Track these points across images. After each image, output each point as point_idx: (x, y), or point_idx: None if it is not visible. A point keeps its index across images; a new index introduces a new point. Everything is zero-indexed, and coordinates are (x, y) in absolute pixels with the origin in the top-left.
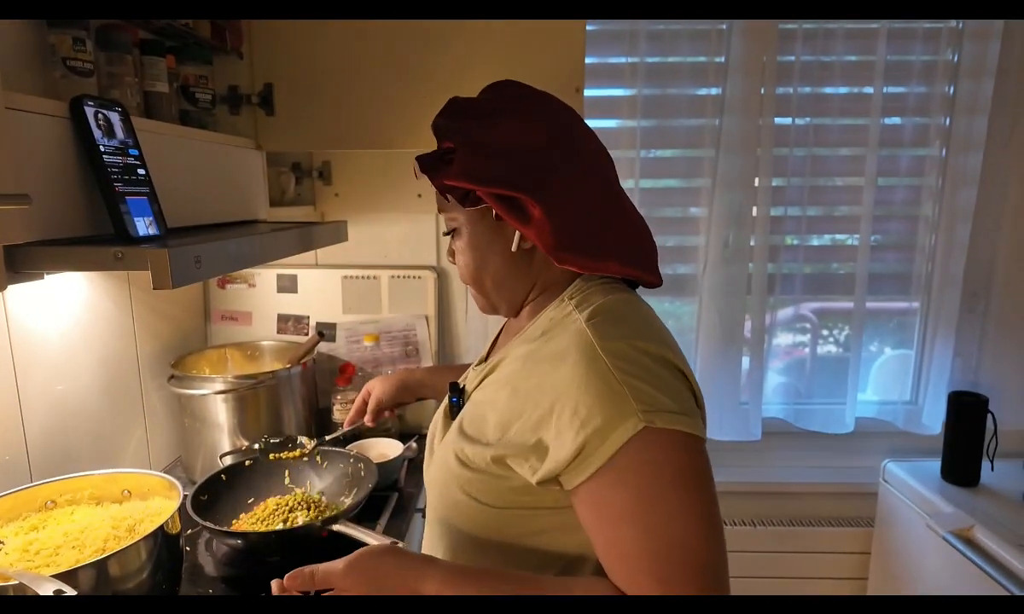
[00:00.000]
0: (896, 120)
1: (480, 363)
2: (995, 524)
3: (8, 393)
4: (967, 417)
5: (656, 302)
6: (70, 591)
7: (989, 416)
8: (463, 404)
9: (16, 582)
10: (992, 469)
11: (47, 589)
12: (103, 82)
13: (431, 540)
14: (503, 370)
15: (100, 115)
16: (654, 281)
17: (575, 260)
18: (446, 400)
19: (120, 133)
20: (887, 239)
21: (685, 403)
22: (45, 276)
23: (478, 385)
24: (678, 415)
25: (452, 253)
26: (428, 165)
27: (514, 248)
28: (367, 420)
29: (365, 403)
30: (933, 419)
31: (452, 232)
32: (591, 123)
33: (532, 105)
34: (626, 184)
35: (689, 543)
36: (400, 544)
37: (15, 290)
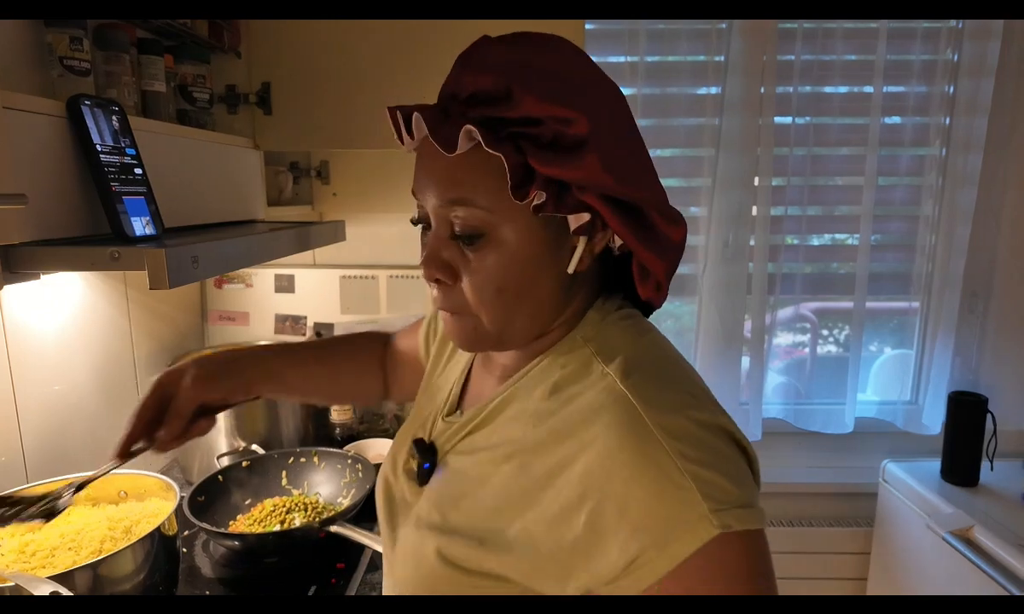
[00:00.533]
0: (896, 119)
1: (451, 412)
2: (995, 524)
3: (4, 394)
4: (967, 417)
5: None
6: (66, 592)
7: (989, 416)
8: (434, 467)
9: (12, 584)
10: (992, 469)
11: (43, 591)
12: (100, 81)
13: None
14: (497, 431)
15: (97, 114)
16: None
17: (664, 294)
18: (401, 444)
19: (117, 133)
20: (887, 239)
21: (752, 488)
22: (41, 276)
23: (454, 445)
24: (751, 509)
25: (446, 270)
26: (494, 137)
27: (572, 269)
28: (156, 446)
29: (156, 413)
30: (933, 419)
31: (468, 235)
32: None
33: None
34: None
35: None
36: None
37: (11, 290)
